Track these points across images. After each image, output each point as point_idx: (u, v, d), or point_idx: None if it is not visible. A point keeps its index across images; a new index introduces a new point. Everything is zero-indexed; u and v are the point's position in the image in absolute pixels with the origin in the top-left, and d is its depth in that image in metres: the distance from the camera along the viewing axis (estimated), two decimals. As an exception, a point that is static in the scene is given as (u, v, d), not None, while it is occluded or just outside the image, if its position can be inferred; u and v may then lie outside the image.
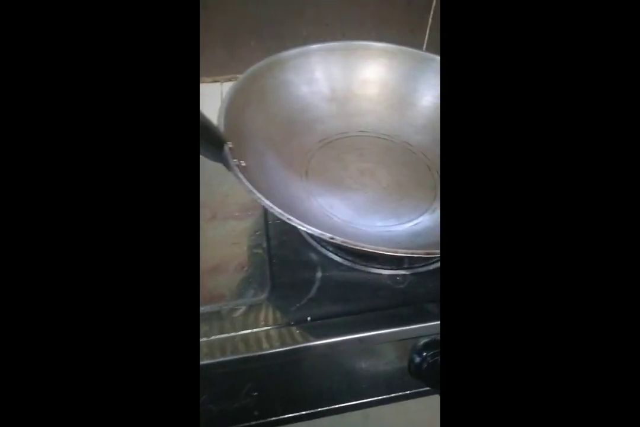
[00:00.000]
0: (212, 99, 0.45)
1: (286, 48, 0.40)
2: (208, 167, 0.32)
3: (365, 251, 0.26)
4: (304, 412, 0.33)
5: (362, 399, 0.34)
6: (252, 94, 0.37)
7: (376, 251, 0.26)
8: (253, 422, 0.33)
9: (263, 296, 0.32)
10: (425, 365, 0.31)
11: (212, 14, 0.46)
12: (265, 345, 0.29)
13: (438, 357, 0.31)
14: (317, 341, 0.29)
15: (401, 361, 0.33)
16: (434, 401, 0.33)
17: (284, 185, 0.36)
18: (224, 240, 0.36)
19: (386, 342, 0.31)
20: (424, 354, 0.31)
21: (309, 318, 0.30)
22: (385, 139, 0.41)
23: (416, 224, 0.35)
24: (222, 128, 0.32)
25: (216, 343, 0.29)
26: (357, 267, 0.34)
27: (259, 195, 0.28)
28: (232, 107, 0.34)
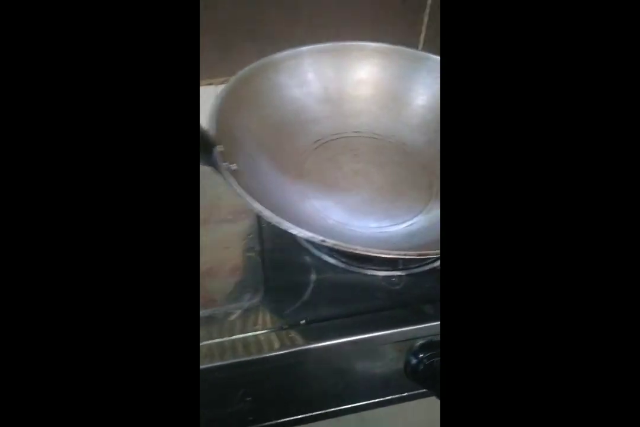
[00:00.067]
0: (207, 102, 0.45)
1: (281, 49, 0.40)
2: (200, 170, 0.32)
3: (357, 253, 0.26)
4: (299, 416, 0.33)
5: (358, 402, 0.34)
6: (244, 96, 0.37)
7: (368, 253, 0.26)
8: (248, 427, 0.33)
9: (257, 300, 0.32)
10: (421, 367, 0.31)
11: (206, 16, 0.46)
12: (259, 349, 0.29)
13: (434, 359, 0.30)
14: (311, 344, 0.29)
15: (397, 363, 0.32)
16: (431, 403, 0.32)
17: (277, 188, 0.36)
18: (216, 244, 0.35)
19: (382, 344, 0.31)
20: (421, 355, 0.31)
21: (303, 321, 0.30)
22: (380, 139, 0.41)
23: (411, 224, 0.35)
24: (213, 131, 0.32)
25: (210, 348, 0.29)
26: (352, 269, 0.34)
27: (248, 198, 0.28)
28: (224, 109, 0.34)
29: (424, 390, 0.33)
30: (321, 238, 0.26)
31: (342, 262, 0.34)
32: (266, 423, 0.33)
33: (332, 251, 0.34)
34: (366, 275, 0.34)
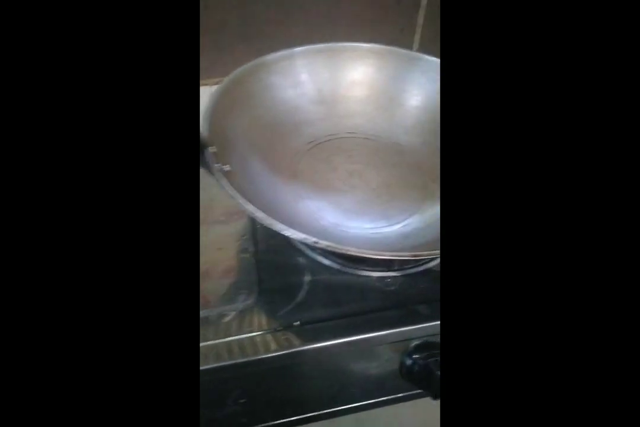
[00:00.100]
0: (200, 103, 0.45)
1: (275, 50, 0.40)
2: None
3: (350, 254, 0.26)
4: (293, 418, 0.33)
5: (353, 403, 0.34)
6: (237, 97, 0.37)
7: (361, 255, 0.26)
8: (243, 430, 0.33)
9: (251, 301, 0.32)
10: (416, 367, 0.31)
11: (200, 17, 0.46)
12: (253, 351, 0.29)
13: (429, 360, 0.30)
14: (306, 345, 0.29)
15: (392, 364, 0.32)
16: (426, 403, 0.32)
17: (271, 189, 0.36)
18: (210, 245, 0.35)
19: (377, 345, 0.31)
20: (416, 356, 0.31)
21: (297, 323, 0.30)
22: (374, 140, 0.41)
23: (405, 225, 0.34)
24: (205, 132, 0.32)
25: (203, 350, 0.28)
26: (346, 270, 0.34)
27: (241, 200, 0.28)
28: (217, 110, 0.34)
29: (419, 391, 0.33)
30: (314, 239, 0.26)
31: (337, 263, 0.34)
32: (260, 425, 0.33)
33: (326, 252, 0.34)
34: (360, 276, 0.33)
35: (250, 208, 0.28)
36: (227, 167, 0.31)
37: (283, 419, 0.33)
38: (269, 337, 0.29)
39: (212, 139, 0.32)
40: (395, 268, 0.33)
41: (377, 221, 0.35)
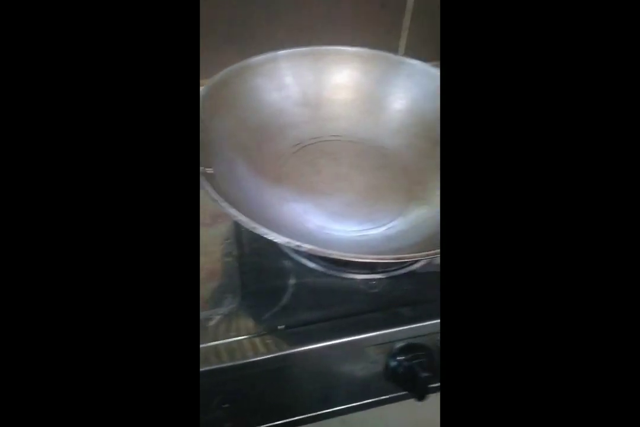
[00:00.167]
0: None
1: (262, 52, 0.40)
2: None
3: (331, 257, 0.26)
4: (278, 422, 0.33)
5: (339, 406, 0.34)
6: (221, 99, 0.37)
7: (344, 258, 0.26)
8: (227, 435, 0.32)
9: (234, 305, 0.31)
10: (401, 369, 0.31)
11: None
12: (236, 356, 0.28)
13: (414, 361, 0.30)
14: (290, 349, 0.29)
15: (377, 366, 0.32)
16: (411, 405, 0.32)
17: (255, 192, 0.36)
18: (194, 249, 0.35)
19: (361, 348, 0.31)
20: (400, 358, 0.31)
21: (282, 326, 0.30)
22: (359, 143, 0.41)
23: (390, 227, 0.35)
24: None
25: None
26: (331, 272, 0.34)
27: (223, 203, 0.28)
28: (200, 114, 0.34)
29: (404, 392, 0.33)
30: (297, 243, 0.26)
31: (321, 266, 0.34)
32: (245, 430, 0.32)
33: (311, 255, 0.34)
34: (345, 278, 0.34)
35: (233, 211, 0.28)
36: (209, 170, 0.31)
37: (268, 423, 0.33)
38: (253, 341, 0.29)
39: (196, 141, 0.31)
40: (379, 270, 0.34)
41: (362, 223, 0.35)
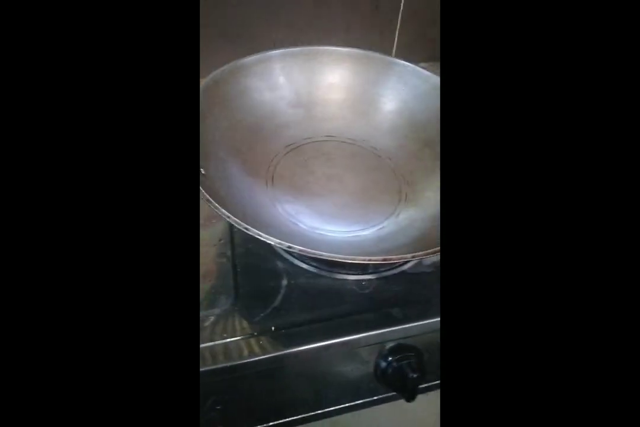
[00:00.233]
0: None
1: (258, 52, 0.40)
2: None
3: (322, 258, 0.26)
4: (271, 424, 0.33)
5: (329, 407, 0.34)
6: (214, 100, 0.37)
7: (333, 259, 0.26)
8: (219, 436, 0.32)
9: (227, 307, 0.31)
10: (390, 370, 0.31)
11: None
12: (229, 357, 0.28)
13: (403, 362, 0.31)
14: (281, 351, 0.29)
15: (367, 367, 0.32)
16: (401, 405, 0.33)
17: (248, 193, 0.36)
18: (186, 250, 0.35)
19: (351, 349, 0.31)
20: (390, 359, 0.31)
21: (273, 328, 0.30)
22: (351, 143, 0.41)
23: (381, 228, 0.35)
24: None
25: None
26: (323, 273, 0.34)
27: (215, 204, 0.28)
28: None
29: (394, 393, 0.33)
30: (288, 244, 0.26)
31: (313, 266, 0.34)
32: (236, 431, 0.33)
33: (303, 256, 0.34)
34: (337, 279, 0.34)
35: (225, 212, 0.28)
36: (202, 171, 0.31)
37: (260, 424, 0.33)
38: (245, 342, 0.29)
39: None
40: (370, 271, 0.34)
41: (353, 224, 0.35)
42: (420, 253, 0.26)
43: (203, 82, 0.37)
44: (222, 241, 0.36)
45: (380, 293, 0.33)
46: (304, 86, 0.41)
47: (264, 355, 0.29)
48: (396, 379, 0.31)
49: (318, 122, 0.42)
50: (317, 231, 0.35)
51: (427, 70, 0.41)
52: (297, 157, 0.40)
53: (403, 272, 0.34)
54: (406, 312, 0.31)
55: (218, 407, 0.30)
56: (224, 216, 0.28)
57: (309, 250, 0.26)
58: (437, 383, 0.35)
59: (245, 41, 0.49)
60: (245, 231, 0.27)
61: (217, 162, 0.35)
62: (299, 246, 0.26)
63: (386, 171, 0.39)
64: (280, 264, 0.35)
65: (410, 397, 0.30)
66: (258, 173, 0.38)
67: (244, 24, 0.49)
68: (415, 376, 0.30)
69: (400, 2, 0.51)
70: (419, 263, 0.35)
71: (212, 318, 0.31)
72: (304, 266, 0.34)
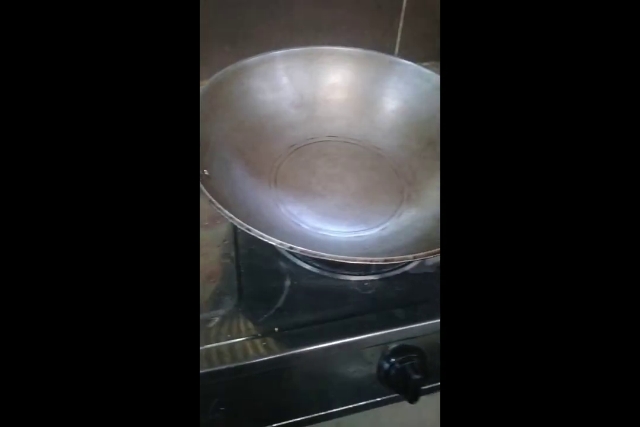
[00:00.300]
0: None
1: (260, 53, 0.40)
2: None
3: (324, 259, 0.26)
4: (275, 424, 0.33)
5: (332, 408, 0.34)
6: (217, 101, 0.37)
7: (334, 259, 0.26)
8: (223, 437, 0.32)
9: (231, 308, 0.32)
10: (393, 371, 0.31)
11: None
12: (232, 358, 0.28)
13: (406, 363, 0.30)
14: (284, 352, 0.29)
15: (371, 368, 0.32)
16: (404, 407, 0.32)
17: (251, 194, 0.36)
18: (189, 251, 0.35)
19: (354, 350, 0.31)
20: (392, 360, 0.31)
21: (276, 329, 0.30)
22: (354, 143, 0.41)
23: (383, 229, 0.35)
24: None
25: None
26: (326, 274, 0.34)
27: (218, 205, 0.28)
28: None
29: (397, 394, 0.33)
30: (289, 245, 0.26)
31: (316, 267, 0.34)
32: (240, 432, 0.33)
33: (306, 257, 0.34)
34: (340, 280, 0.34)
35: (227, 213, 0.28)
36: (205, 172, 0.31)
37: (264, 425, 0.33)
38: (248, 343, 0.29)
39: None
40: (373, 272, 0.34)
41: (356, 224, 0.35)
42: (422, 254, 0.26)
43: (206, 84, 0.37)
44: (226, 242, 0.36)
45: (383, 294, 0.33)
46: (307, 86, 0.41)
47: (266, 356, 0.29)
48: (399, 381, 0.31)
49: (320, 122, 0.42)
50: (320, 232, 0.34)
51: (430, 69, 0.40)
52: (300, 157, 0.40)
53: (406, 272, 0.34)
54: (409, 313, 0.31)
55: (222, 409, 0.30)
56: (226, 217, 0.28)
57: (310, 251, 0.26)
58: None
59: (247, 42, 0.49)
60: (247, 231, 0.27)
61: (221, 163, 0.35)
62: (301, 246, 0.27)
63: (388, 171, 0.39)
64: (283, 265, 0.35)
65: (413, 399, 0.30)
66: (261, 174, 0.38)
67: (246, 25, 0.49)
68: (418, 377, 0.29)
69: (403, 1, 0.51)
70: (422, 264, 0.35)
71: (216, 319, 0.31)
72: (307, 266, 0.34)
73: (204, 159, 0.32)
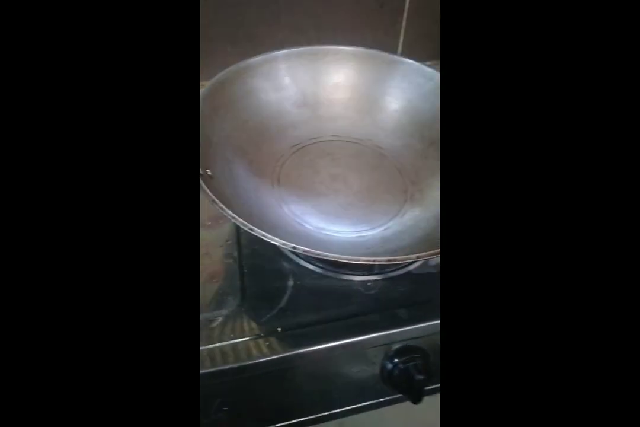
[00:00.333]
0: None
1: (262, 53, 0.40)
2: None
3: (327, 259, 0.26)
4: (278, 425, 0.33)
5: (335, 409, 0.34)
6: (220, 101, 0.37)
7: (337, 259, 0.26)
8: (226, 437, 0.32)
9: (234, 308, 0.32)
10: (396, 371, 0.31)
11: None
12: (236, 358, 0.28)
13: (409, 364, 0.30)
14: (287, 352, 0.29)
15: (374, 369, 0.32)
16: (407, 407, 0.32)
17: (254, 194, 0.36)
18: (193, 250, 0.35)
19: (357, 350, 0.31)
20: (396, 360, 0.31)
21: (279, 329, 0.30)
22: (357, 143, 0.41)
23: (386, 228, 0.35)
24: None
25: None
26: (329, 274, 0.34)
27: (221, 205, 0.28)
28: (200, 114, 0.34)
29: (400, 395, 0.33)
30: (292, 245, 0.26)
31: (319, 267, 0.34)
32: (243, 432, 0.33)
33: (309, 257, 0.34)
34: (343, 280, 0.33)
35: (230, 213, 0.28)
36: (208, 172, 0.31)
37: (267, 426, 0.33)
38: (251, 343, 0.29)
39: (192, 144, 0.32)
40: (376, 272, 0.34)
41: (359, 224, 0.35)
42: (426, 254, 0.26)
43: (208, 84, 0.37)
44: (229, 242, 0.36)
45: (386, 294, 0.32)
46: (310, 86, 0.41)
47: (269, 356, 0.29)
48: (402, 381, 0.30)
49: (323, 122, 0.41)
50: (323, 232, 0.34)
51: (433, 68, 0.40)
52: (303, 157, 0.40)
53: (409, 272, 0.34)
54: (412, 313, 0.31)
55: (225, 409, 0.30)
56: (229, 217, 0.28)
57: (313, 250, 0.26)
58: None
59: (248, 42, 0.50)
60: (250, 231, 0.27)
61: (223, 163, 0.35)
62: (304, 246, 0.26)
63: (392, 171, 0.39)
64: (286, 265, 0.35)
65: (416, 400, 0.30)
66: (264, 173, 0.38)
67: (247, 25, 0.49)
68: (421, 377, 0.29)
69: (405, 1, 0.51)
70: (425, 264, 0.34)
71: (219, 319, 0.31)
72: (310, 266, 0.34)
73: (207, 158, 0.32)
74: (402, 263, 0.33)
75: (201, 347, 0.29)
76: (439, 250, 0.26)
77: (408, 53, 0.50)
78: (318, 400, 0.33)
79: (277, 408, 0.33)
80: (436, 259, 0.34)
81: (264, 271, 0.34)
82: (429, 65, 0.40)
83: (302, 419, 0.33)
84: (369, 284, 0.33)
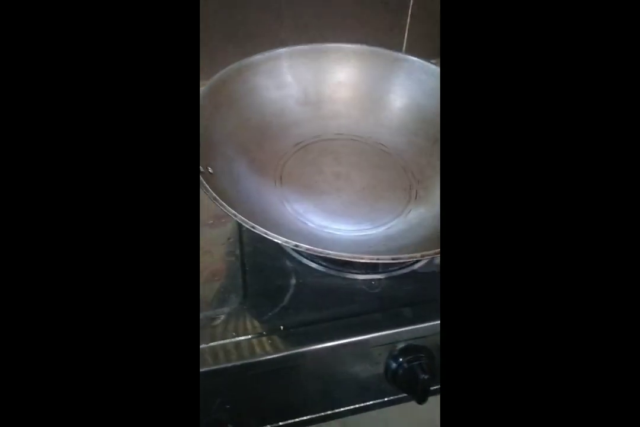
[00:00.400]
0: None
1: (264, 51, 0.40)
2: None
3: (330, 257, 0.26)
4: (280, 423, 0.33)
5: (339, 408, 0.33)
6: (222, 99, 0.37)
7: (341, 258, 0.25)
8: (228, 436, 0.32)
9: (236, 306, 0.31)
10: (401, 371, 0.30)
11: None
12: (238, 356, 0.28)
13: (414, 363, 0.30)
14: (289, 351, 0.29)
15: (378, 368, 0.32)
16: (411, 407, 0.32)
17: (256, 192, 0.36)
18: (195, 248, 0.35)
19: (361, 349, 0.31)
20: (400, 359, 0.31)
21: (281, 327, 0.30)
22: (360, 141, 0.41)
23: (389, 227, 0.34)
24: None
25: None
26: (332, 272, 0.34)
27: (222, 202, 0.28)
28: (202, 112, 0.34)
29: (404, 394, 0.33)
30: (295, 243, 0.26)
31: (322, 265, 0.34)
32: (245, 431, 0.32)
33: (312, 255, 0.34)
34: (346, 278, 0.33)
35: (231, 210, 0.28)
36: (209, 170, 0.31)
37: (269, 424, 0.33)
38: (254, 341, 0.29)
39: (196, 141, 0.31)
40: (380, 270, 0.33)
41: (362, 223, 0.35)
42: (430, 252, 0.26)
43: (211, 81, 0.37)
44: (230, 240, 0.36)
45: (391, 293, 0.32)
46: (312, 84, 0.41)
47: (272, 354, 0.28)
48: (407, 381, 0.30)
49: (327, 120, 0.41)
50: (326, 230, 0.34)
51: (436, 66, 0.40)
52: (306, 155, 0.39)
53: (413, 271, 0.34)
54: (417, 312, 0.30)
55: (227, 407, 0.30)
56: (231, 215, 0.28)
57: (315, 249, 0.26)
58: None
59: (250, 41, 0.49)
60: (252, 229, 0.27)
61: (225, 161, 0.35)
62: (306, 244, 0.26)
63: (396, 169, 0.39)
64: (289, 263, 0.34)
65: (421, 399, 0.30)
66: (267, 172, 0.37)
67: (249, 24, 0.49)
68: (426, 377, 0.29)
69: (410, -2, 0.50)
70: (430, 262, 0.34)
71: (222, 317, 0.31)
72: (313, 265, 0.34)
73: (208, 157, 0.32)
74: (406, 262, 0.33)
75: (203, 345, 0.29)
76: (443, 248, 0.26)
77: (412, 51, 0.50)
78: (321, 399, 0.33)
79: (279, 407, 0.33)
80: (440, 258, 0.34)
81: (266, 269, 0.34)
82: (433, 64, 0.40)
83: (305, 418, 0.33)
84: (373, 282, 0.33)
